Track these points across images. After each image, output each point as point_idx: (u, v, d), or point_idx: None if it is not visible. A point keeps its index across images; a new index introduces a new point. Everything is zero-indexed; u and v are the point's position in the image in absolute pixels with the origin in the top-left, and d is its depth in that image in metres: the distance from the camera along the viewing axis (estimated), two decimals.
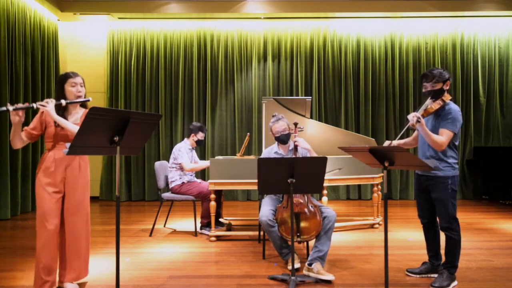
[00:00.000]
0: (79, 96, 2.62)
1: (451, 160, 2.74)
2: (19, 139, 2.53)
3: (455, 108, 2.73)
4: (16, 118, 2.38)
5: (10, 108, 2.29)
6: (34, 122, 2.60)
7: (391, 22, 7.04)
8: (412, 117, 2.61)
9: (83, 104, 2.74)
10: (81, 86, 2.64)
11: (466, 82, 7.08)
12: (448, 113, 2.70)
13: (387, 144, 2.85)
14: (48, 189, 2.55)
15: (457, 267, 2.80)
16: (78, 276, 2.71)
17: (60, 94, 2.61)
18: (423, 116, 2.69)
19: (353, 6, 6.55)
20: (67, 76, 2.62)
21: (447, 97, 2.74)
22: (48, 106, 2.46)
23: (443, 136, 2.67)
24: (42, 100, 2.64)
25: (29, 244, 3.88)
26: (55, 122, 2.55)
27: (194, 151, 4.64)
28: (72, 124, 2.55)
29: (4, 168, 5.28)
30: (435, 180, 2.75)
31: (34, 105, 2.40)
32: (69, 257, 2.65)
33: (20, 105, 2.35)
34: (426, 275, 2.97)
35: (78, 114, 2.67)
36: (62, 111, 2.60)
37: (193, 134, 4.56)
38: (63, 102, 2.53)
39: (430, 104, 2.73)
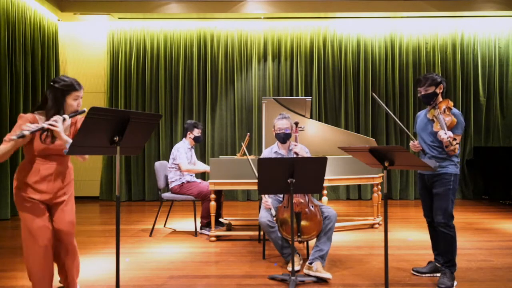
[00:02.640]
0: (77, 110, 2.39)
1: (455, 159, 2.84)
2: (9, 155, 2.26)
3: (457, 112, 2.82)
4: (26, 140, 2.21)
5: (27, 133, 2.10)
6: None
7: (391, 22, 7.04)
8: (447, 138, 2.62)
9: None
10: (81, 99, 2.40)
11: (466, 82, 7.08)
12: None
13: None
14: (35, 202, 2.34)
15: (456, 265, 2.83)
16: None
17: (60, 105, 2.31)
18: (449, 128, 2.74)
19: (353, 6, 6.55)
20: (72, 87, 2.34)
21: (450, 104, 2.83)
22: (59, 126, 2.23)
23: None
24: (41, 101, 2.38)
25: None
26: (40, 137, 2.28)
27: (193, 150, 4.64)
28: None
29: (4, 168, 5.28)
30: (438, 176, 2.83)
31: (45, 125, 2.19)
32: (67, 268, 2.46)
33: (33, 127, 2.14)
34: (433, 274, 2.96)
35: (68, 122, 2.38)
36: None
37: (189, 132, 4.55)
38: (67, 117, 2.29)
39: (445, 117, 2.77)
